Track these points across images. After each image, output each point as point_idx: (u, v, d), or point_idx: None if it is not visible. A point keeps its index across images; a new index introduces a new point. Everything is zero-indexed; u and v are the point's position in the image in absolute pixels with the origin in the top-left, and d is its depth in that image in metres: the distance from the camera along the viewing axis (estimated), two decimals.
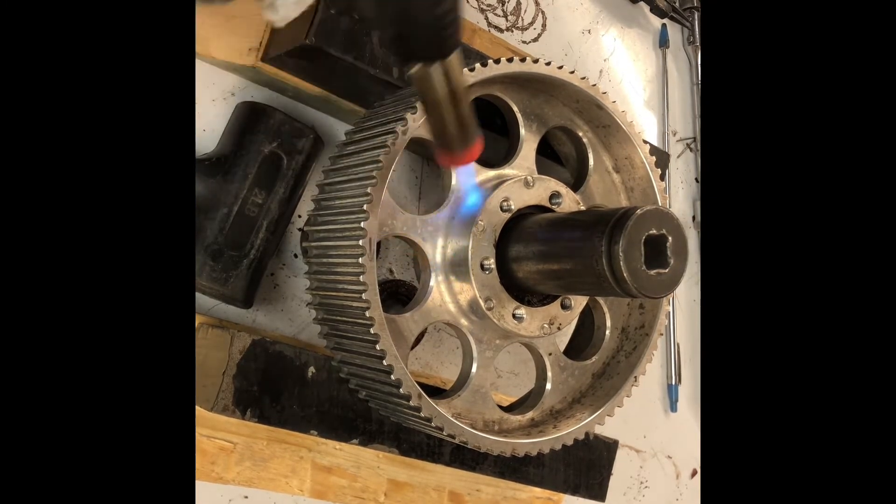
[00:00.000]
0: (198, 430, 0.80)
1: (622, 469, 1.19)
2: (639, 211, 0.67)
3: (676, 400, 1.26)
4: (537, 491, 1.03)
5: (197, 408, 0.76)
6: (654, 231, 0.68)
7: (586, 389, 0.88)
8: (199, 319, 0.80)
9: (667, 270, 0.68)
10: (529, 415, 0.84)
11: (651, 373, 1.25)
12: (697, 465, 1.29)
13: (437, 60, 0.55)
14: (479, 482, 0.98)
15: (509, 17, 1.11)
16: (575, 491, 0.99)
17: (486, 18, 1.09)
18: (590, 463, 0.99)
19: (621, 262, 0.66)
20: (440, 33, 0.53)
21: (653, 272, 0.68)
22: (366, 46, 0.80)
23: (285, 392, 0.78)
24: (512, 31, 1.11)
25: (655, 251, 0.68)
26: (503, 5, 1.10)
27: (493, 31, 1.09)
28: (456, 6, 0.52)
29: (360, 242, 0.68)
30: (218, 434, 0.82)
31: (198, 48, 0.82)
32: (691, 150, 1.34)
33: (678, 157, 1.33)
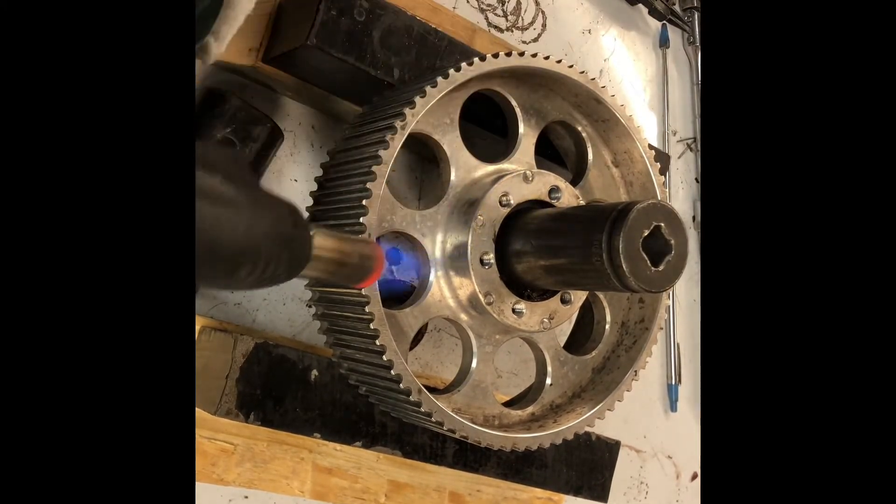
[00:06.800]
0: (198, 431, 0.80)
1: (623, 469, 1.19)
2: (638, 206, 0.67)
3: (676, 400, 1.26)
4: (538, 491, 1.02)
5: (197, 409, 0.76)
6: (653, 225, 0.68)
7: (586, 384, 0.88)
8: (200, 321, 0.80)
9: (667, 264, 0.69)
10: (530, 409, 0.84)
11: (651, 372, 1.25)
12: (697, 465, 1.28)
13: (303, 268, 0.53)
14: (479, 482, 0.98)
15: (509, 17, 1.11)
16: (577, 492, 0.98)
17: (486, 18, 1.09)
18: (592, 464, 0.98)
19: (622, 258, 0.66)
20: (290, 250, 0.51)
21: (653, 266, 0.68)
22: (367, 47, 0.80)
23: (288, 395, 0.78)
24: (512, 31, 1.12)
25: (656, 245, 0.68)
26: (503, 5, 1.11)
27: (493, 30, 1.09)
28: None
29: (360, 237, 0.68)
30: (219, 436, 0.82)
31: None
32: (691, 150, 1.34)
33: (678, 157, 1.33)
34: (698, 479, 1.28)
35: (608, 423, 0.85)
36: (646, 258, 0.67)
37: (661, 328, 0.88)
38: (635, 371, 0.86)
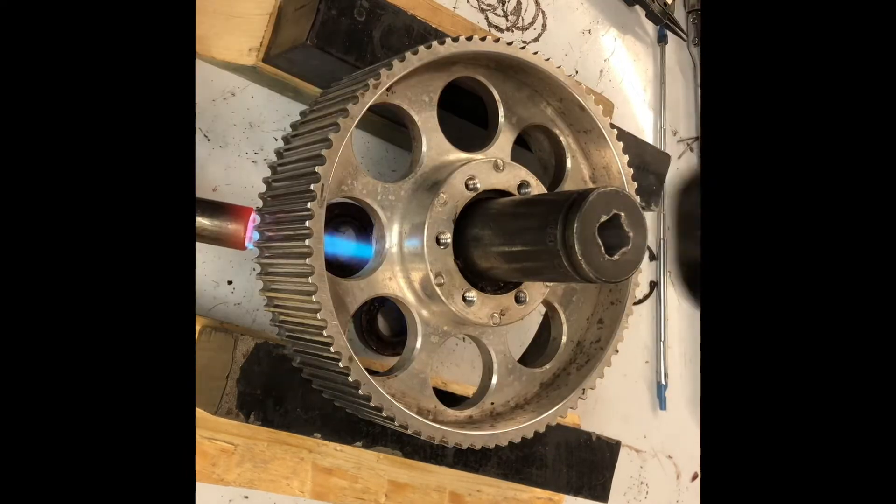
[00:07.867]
0: (198, 431, 0.80)
1: (623, 469, 1.18)
2: (595, 192, 0.64)
3: (665, 398, 1.25)
4: (538, 492, 1.02)
5: (197, 409, 0.76)
6: (612, 213, 0.65)
7: (531, 397, 0.84)
8: (201, 322, 0.80)
9: (622, 255, 0.66)
10: (468, 412, 0.81)
11: (652, 373, 1.25)
12: (697, 465, 1.28)
13: None
14: (479, 483, 0.98)
15: (509, 17, 1.11)
16: (578, 492, 0.98)
17: (487, 18, 1.09)
18: (592, 464, 0.97)
19: (575, 238, 0.63)
20: None
21: (609, 256, 0.65)
22: (367, 47, 0.80)
23: (289, 395, 0.77)
24: (512, 31, 1.12)
25: (614, 236, 0.66)
26: (503, 5, 1.11)
27: (493, 30, 1.09)
28: None
29: (312, 187, 0.66)
30: (219, 436, 0.82)
31: (198, 48, 0.83)
32: (692, 150, 1.34)
33: (679, 157, 1.33)
34: (698, 479, 1.28)
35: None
36: (600, 244, 0.64)
37: (617, 351, 0.85)
38: (583, 390, 0.83)
